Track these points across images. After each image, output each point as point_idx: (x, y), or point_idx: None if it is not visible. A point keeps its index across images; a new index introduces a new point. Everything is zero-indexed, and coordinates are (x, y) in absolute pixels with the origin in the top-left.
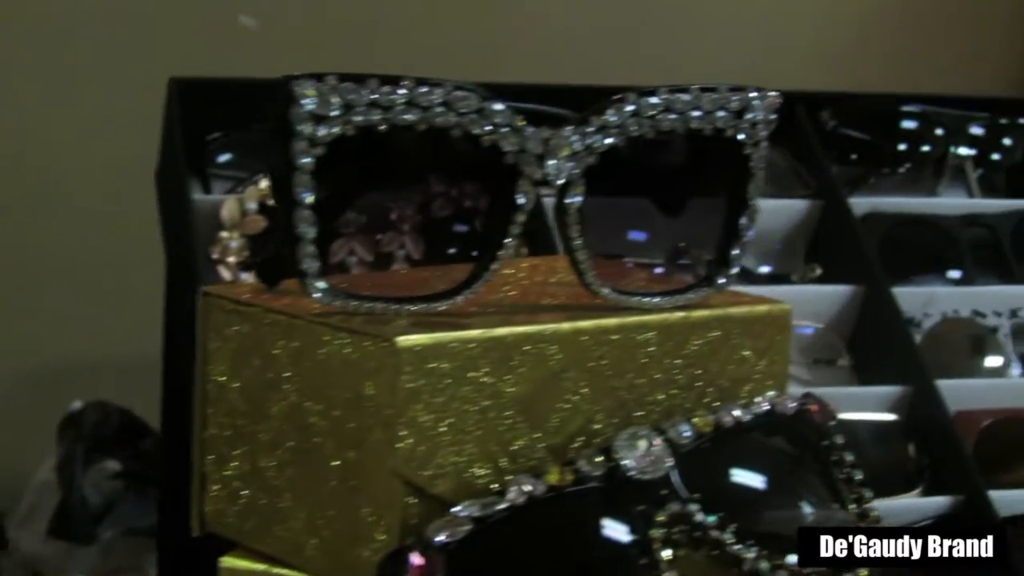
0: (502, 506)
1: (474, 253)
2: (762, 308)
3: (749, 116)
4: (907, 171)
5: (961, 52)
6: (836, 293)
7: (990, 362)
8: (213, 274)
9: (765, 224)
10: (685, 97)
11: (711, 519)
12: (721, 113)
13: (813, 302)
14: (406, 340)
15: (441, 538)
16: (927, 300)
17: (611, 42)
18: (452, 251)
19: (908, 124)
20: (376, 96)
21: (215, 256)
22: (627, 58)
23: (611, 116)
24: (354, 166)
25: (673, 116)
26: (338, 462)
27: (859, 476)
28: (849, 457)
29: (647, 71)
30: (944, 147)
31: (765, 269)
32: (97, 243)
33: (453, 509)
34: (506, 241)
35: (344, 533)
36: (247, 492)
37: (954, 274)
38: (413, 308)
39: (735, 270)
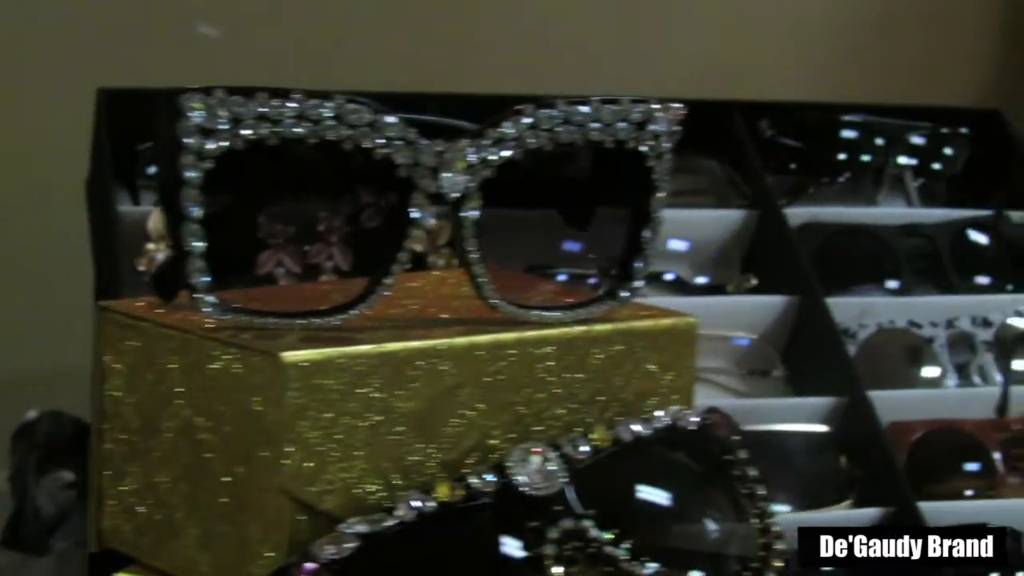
0: (390, 523)
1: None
2: (667, 321)
3: (652, 128)
4: (846, 181)
5: (930, 62)
6: (771, 304)
7: (926, 373)
8: (141, 286)
9: (701, 234)
10: (584, 109)
11: (605, 535)
12: (622, 125)
13: (748, 312)
14: (292, 356)
15: (327, 555)
16: (863, 310)
17: (574, 51)
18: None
19: (848, 133)
20: (265, 109)
21: (141, 268)
22: (587, 67)
23: (508, 128)
24: (247, 180)
25: (572, 128)
26: (228, 478)
27: (761, 491)
28: (752, 472)
29: (613, 79)
30: (884, 157)
31: (700, 279)
32: (54, 252)
33: (340, 526)
34: (400, 255)
35: (235, 550)
36: (143, 508)
37: (891, 284)
38: (305, 323)
39: (639, 283)
